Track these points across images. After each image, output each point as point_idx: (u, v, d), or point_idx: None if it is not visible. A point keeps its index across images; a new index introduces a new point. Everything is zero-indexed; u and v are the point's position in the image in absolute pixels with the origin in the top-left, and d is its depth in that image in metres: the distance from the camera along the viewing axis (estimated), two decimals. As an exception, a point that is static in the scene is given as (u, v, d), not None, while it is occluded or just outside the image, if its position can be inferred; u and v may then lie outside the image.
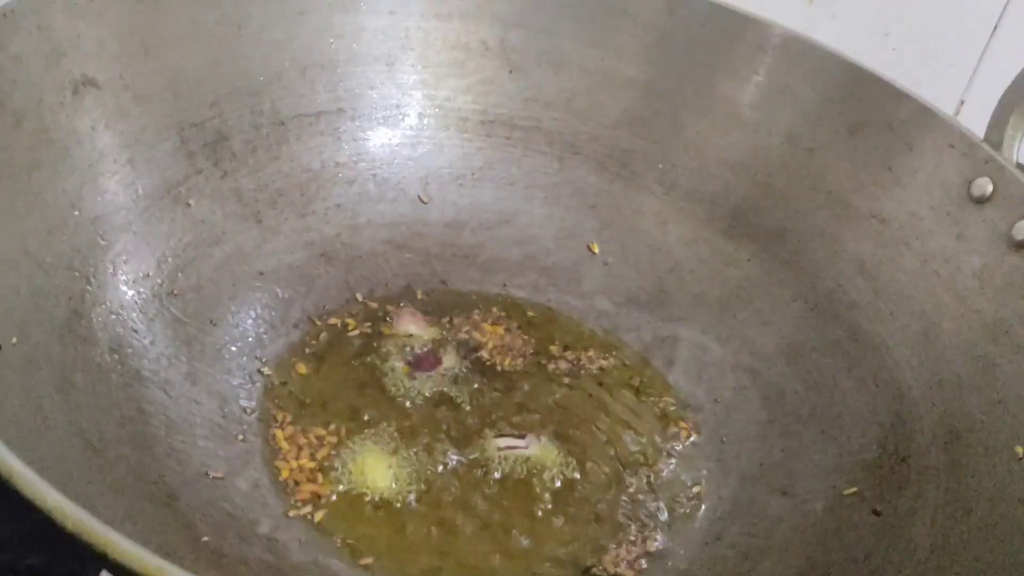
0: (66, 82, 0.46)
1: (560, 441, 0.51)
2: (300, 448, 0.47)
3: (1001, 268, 0.49)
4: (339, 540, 0.44)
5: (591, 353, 0.57)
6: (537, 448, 0.50)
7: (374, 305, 0.57)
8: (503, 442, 0.50)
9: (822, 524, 0.46)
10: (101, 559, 0.23)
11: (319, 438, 0.48)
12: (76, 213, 0.46)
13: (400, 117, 0.62)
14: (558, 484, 0.49)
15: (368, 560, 0.43)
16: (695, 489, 0.50)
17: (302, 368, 0.52)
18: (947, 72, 0.79)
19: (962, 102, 0.77)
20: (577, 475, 0.49)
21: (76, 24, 0.46)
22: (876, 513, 0.44)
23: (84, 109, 0.47)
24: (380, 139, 0.61)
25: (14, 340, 0.37)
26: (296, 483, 0.46)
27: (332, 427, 0.49)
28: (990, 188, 0.50)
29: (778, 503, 0.48)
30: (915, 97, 0.55)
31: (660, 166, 0.63)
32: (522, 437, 0.51)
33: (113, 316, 0.46)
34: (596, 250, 0.62)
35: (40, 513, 0.24)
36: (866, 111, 0.56)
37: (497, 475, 0.48)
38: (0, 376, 0.35)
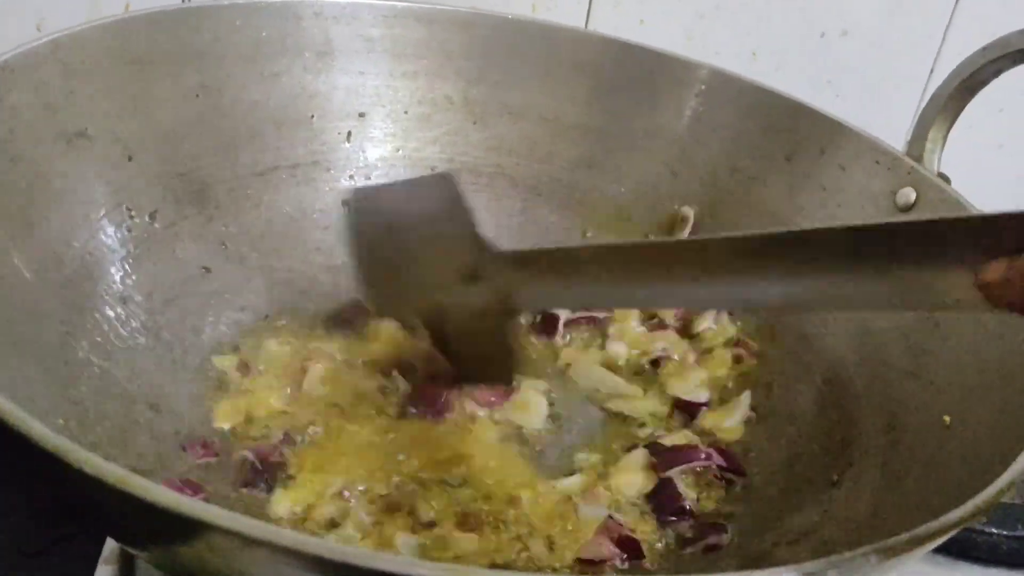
0: (60, 133, 0.51)
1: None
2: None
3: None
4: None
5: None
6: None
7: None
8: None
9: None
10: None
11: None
12: (67, 249, 0.49)
13: (373, 167, 0.66)
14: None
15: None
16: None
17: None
18: (888, 117, 0.84)
19: (908, 142, 0.82)
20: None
21: (70, 82, 0.51)
22: (833, 484, 0.47)
23: (77, 158, 0.51)
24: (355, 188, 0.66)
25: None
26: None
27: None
28: (913, 196, 0.55)
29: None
30: (842, 121, 0.60)
31: (616, 202, 0.67)
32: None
33: (102, 341, 0.49)
34: (561, 283, 0.66)
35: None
36: (799, 139, 0.61)
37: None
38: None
